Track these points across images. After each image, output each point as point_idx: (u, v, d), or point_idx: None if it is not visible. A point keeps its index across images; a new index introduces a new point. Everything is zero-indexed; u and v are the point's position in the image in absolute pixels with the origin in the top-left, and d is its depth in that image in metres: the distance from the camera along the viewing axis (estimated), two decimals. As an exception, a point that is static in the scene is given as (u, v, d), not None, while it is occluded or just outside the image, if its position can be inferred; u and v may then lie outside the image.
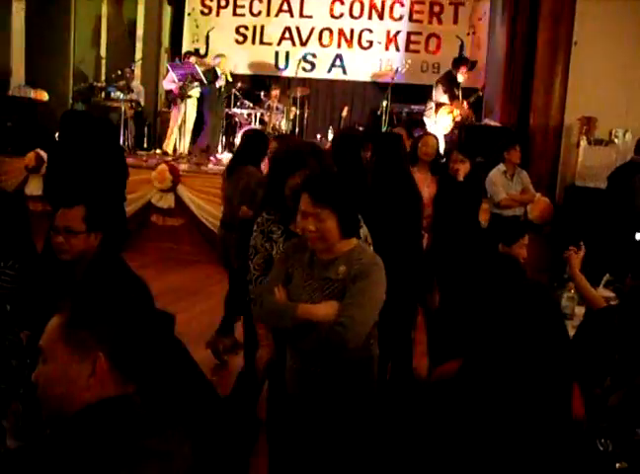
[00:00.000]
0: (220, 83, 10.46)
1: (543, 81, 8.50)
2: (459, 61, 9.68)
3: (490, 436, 2.27)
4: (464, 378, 2.47)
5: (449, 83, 9.48)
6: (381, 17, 11.73)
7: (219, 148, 10.89)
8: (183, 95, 10.50)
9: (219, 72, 10.51)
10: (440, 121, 9.39)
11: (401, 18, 11.62)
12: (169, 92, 10.95)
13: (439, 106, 9.40)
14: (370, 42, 11.77)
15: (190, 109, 10.64)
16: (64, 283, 3.18)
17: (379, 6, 11.69)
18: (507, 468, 2.26)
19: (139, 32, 12.73)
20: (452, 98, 9.41)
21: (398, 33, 11.62)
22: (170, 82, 10.67)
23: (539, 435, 2.27)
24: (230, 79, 10.72)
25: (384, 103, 9.82)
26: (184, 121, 10.54)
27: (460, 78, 9.44)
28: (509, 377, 2.35)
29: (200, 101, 10.77)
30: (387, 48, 11.70)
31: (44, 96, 10.14)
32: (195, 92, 10.60)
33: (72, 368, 1.58)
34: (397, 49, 11.64)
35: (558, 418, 2.33)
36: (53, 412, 1.61)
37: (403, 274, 4.09)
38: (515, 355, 2.42)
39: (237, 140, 10.83)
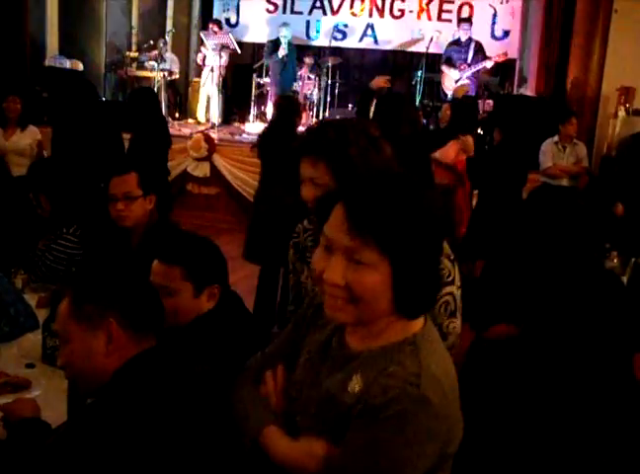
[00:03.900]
0: (282, 53, 10.26)
1: (581, 50, 8.43)
2: (459, 20, 10.11)
3: (556, 396, 2.33)
4: (527, 342, 2.53)
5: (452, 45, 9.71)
6: (414, -15, 11.64)
7: (251, 118, 10.95)
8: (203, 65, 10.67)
9: (283, 42, 10.32)
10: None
11: (434, -14, 11.53)
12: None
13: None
14: (402, 11, 11.65)
15: (208, 78, 10.72)
16: (123, 249, 3.29)
17: (412, -26, 11.60)
18: (569, 427, 2.33)
19: (170, 2, 12.74)
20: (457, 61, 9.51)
21: (430, 1, 11.49)
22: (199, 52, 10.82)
23: (602, 397, 2.33)
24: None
25: (419, 73, 9.78)
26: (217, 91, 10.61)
27: (461, 35, 9.53)
28: (572, 345, 2.41)
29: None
30: (419, 17, 11.58)
31: (80, 66, 10.20)
32: (211, 61, 10.64)
33: (89, 341, 1.67)
34: (429, 19, 11.53)
35: (620, 381, 2.39)
36: (88, 387, 1.71)
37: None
38: (578, 324, 2.48)
39: (268, 110, 10.91)
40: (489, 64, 9.33)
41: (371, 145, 1.98)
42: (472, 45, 9.48)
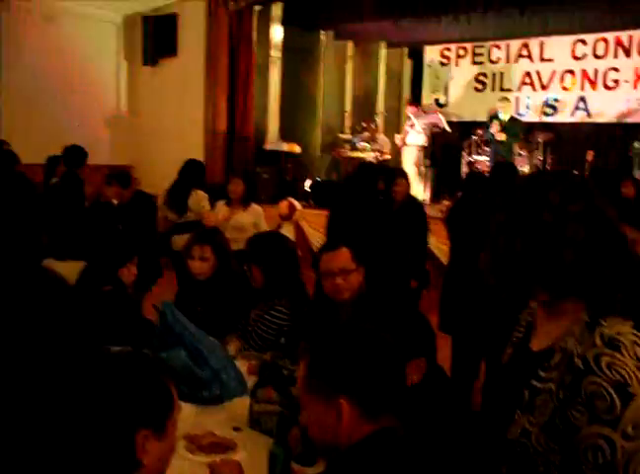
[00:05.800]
0: (494, 129, 10.13)
1: None
2: None
3: None
4: None
5: None
6: (628, 54, 11.22)
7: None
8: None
9: (500, 118, 10.22)
10: None
11: (651, 53, 11.06)
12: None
13: None
14: (617, 82, 11.29)
15: (408, 157, 10.94)
16: (332, 320, 3.41)
17: (626, 43, 11.20)
18: None
19: (381, 85, 13.28)
20: None
21: (646, 69, 11.06)
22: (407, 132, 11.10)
23: None
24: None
25: (636, 144, 9.33)
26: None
27: None
28: None
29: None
30: (635, 86, 11.15)
31: (297, 148, 10.86)
32: (413, 140, 10.80)
33: (320, 413, 1.64)
34: (646, 87, 11.06)
35: None
36: (323, 448, 1.72)
37: None
38: None
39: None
40: None
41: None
42: None
